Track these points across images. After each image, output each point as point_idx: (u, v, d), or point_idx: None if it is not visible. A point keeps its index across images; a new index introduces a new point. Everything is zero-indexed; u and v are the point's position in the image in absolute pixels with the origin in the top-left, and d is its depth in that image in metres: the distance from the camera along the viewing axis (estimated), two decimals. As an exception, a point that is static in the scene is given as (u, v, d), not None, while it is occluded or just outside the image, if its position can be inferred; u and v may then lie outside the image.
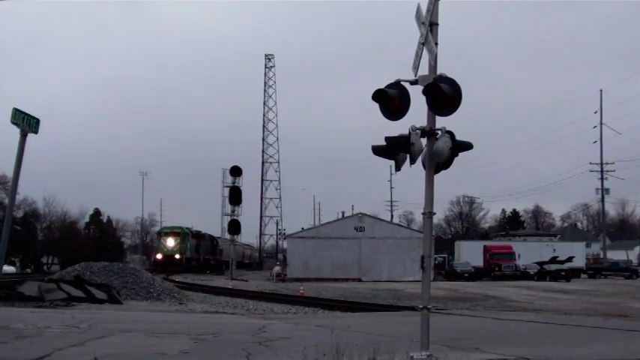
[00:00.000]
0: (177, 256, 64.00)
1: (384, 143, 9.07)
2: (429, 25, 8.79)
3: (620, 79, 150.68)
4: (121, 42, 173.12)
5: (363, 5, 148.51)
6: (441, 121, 8.90)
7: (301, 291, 35.06)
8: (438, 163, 8.88)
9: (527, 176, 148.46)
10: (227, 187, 58.33)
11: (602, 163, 72.34)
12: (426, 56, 8.87)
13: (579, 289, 39.68)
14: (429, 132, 8.89)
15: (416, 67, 8.97)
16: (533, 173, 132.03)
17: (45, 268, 74.02)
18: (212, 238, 79.30)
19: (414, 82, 8.95)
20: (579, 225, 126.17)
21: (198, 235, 71.60)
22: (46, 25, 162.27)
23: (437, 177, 9.08)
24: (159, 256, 65.17)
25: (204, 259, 72.76)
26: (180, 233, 66.34)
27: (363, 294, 35.10)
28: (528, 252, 64.25)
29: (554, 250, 66.45)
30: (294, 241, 61.93)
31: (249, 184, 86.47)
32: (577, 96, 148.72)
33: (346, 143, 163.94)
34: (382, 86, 8.96)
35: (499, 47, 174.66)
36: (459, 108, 8.53)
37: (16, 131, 11.36)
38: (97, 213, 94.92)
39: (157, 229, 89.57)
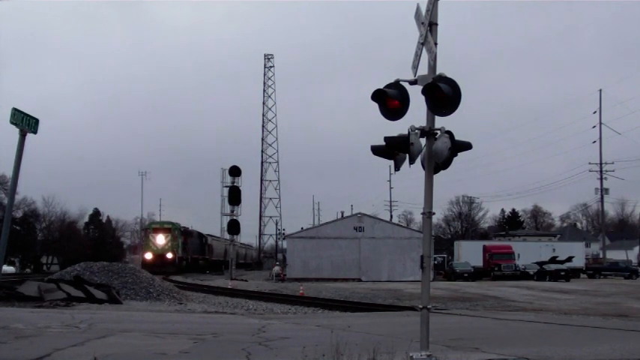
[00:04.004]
0: (168, 255, 58.62)
1: (384, 143, 9.08)
2: (429, 25, 8.80)
3: (619, 79, 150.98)
4: (121, 43, 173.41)
5: (363, 6, 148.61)
6: (440, 121, 8.92)
7: (301, 291, 35.06)
8: (437, 163, 8.88)
9: (527, 176, 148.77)
10: (226, 187, 57.85)
11: (601, 163, 72.37)
12: (425, 56, 8.88)
13: (579, 289, 39.70)
14: (428, 132, 8.90)
15: (415, 67, 8.98)
16: (532, 173, 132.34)
17: (44, 268, 73.94)
18: (201, 236, 73.69)
19: (413, 82, 8.96)
20: (579, 225, 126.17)
21: (185, 232, 65.46)
22: (45, 27, 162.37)
23: (436, 177, 9.09)
24: (148, 255, 59.04)
25: (192, 258, 66.89)
26: (172, 229, 61.04)
27: (362, 294, 35.10)
28: (528, 252, 64.19)
29: (554, 250, 66.40)
30: (293, 241, 61.89)
31: (248, 184, 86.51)
32: (576, 96, 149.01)
33: (346, 143, 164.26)
34: (381, 86, 8.97)
35: (499, 47, 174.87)
36: (458, 108, 8.54)
37: (15, 131, 11.37)
38: (96, 213, 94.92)
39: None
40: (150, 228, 64.39)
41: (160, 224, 65.12)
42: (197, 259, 69.72)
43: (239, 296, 31.32)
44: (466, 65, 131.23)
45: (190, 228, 70.65)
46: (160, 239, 59.96)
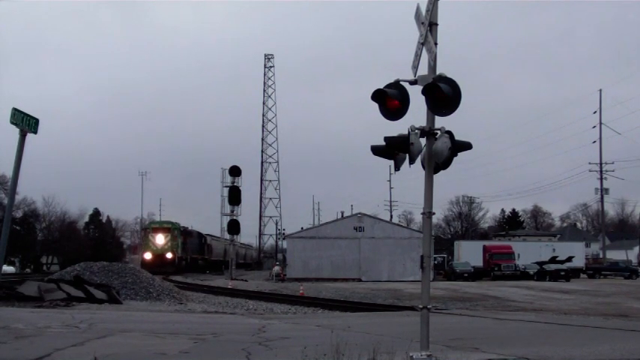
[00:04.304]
0: (168, 255, 58.01)
1: (384, 143, 9.08)
2: (429, 25, 8.80)
3: (619, 79, 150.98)
4: (121, 44, 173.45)
5: (363, 6, 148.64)
6: (440, 121, 8.92)
7: (301, 291, 35.07)
8: (437, 163, 8.88)
9: (527, 176, 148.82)
10: (226, 187, 57.72)
11: (601, 163, 72.38)
12: (425, 56, 8.88)
13: (579, 289, 39.70)
14: (428, 132, 8.90)
15: (415, 67, 8.97)
16: (532, 173, 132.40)
17: (44, 268, 73.90)
18: (200, 236, 72.75)
19: (413, 82, 8.96)
20: (579, 225, 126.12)
21: (185, 232, 64.46)
22: (45, 27, 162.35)
23: (436, 177, 9.09)
24: (147, 255, 58.19)
25: (191, 258, 65.91)
26: (171, 229, 60.47)
27: (362, 294, 35.10)
28: (528, 252, 64.19)
29: (554, 250, 66.40)
30: (293, 241, 61.89)
31: (248, 184, 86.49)
32: (576, 96, 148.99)
33: (346, 143, 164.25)
34: (381, 86, 8.97)
35: (499, 47, 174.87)
36: (459, 108, 8.54)
37: (15, 131, 11.37)
38: (96, 213, 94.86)
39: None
40: (149, 228, 63.55)
41: (159, 224, 64.36)
42: (196, 259, 68.88)
43: (239, 296, 31.33)
44: (466, 65, 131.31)
45: (189, 228, 69.97)
46: (160, 239, 59.33)
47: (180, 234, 61.94)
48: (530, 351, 10.86)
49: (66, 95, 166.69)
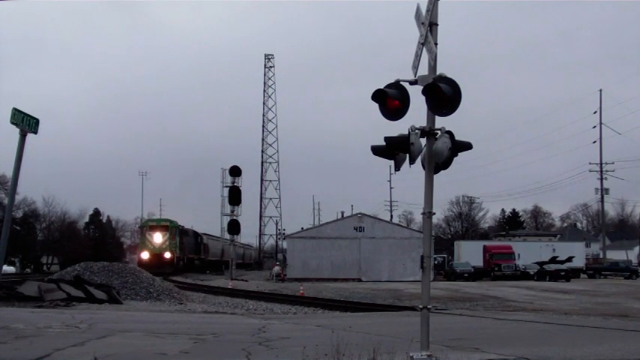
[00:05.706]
0: (167, 255, 56.46)
1: (384, 143, 9.08)
2: (429, 25, 8.80)
3: (619, 79, 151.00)
4: (121, 44, 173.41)
5: (363, 7, 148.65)
6: (440, 121, 8.92)
7: (301, 291, 35.08)
8: (438, 163, 8.88)
9: (527, 176, 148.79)
10: (226, 187, 57.53)
11: (601, 163, 72.36)
12: (425, 56, 8.88)
13: (579, 289, 39.69)
14: (429, 132, 8.90)
15: (415, 67, 8.97)
16: (532, 173, 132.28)
17: (45, 268, 73.82)
18: (196, 235, 70.64)
19: (413, 82, 8.96)
20: (579, 225, 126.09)
21: (182, 231, 62.34)
22: (45, 27, 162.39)
23: (436, 177, 9.09)
24: (145, 255, 56.60)
25: (187, 258, 63.97)
26: (169, 227, 58.75)
27: (363, 294, 35.11)
28: (528, 252, 64.24)
29: (554, 250, 66.44)
30: (293, 241, 61.92)
31: (248, 184, 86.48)
32: (576, 96, 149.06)
33: (346, 143, 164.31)
34: (382, 86, 8.97)
35: (498, 48, 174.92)
36: (459, 108, 8.54)
37: (15, 131, 11.37)
38: (96, 213, 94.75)
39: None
40: (146, 225, 61.75)
41: (157, 222, 62.58)
42: (192, 259, 67.24)
43: (239, 296, 31.35)
44: (466, 65, 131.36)
45: (185, 227, 67.72)
46: (158, 237, 57.86)
47: (179, 233, 60.63)
48: (530, 351, 10.86)
49: (66, 95, 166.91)
